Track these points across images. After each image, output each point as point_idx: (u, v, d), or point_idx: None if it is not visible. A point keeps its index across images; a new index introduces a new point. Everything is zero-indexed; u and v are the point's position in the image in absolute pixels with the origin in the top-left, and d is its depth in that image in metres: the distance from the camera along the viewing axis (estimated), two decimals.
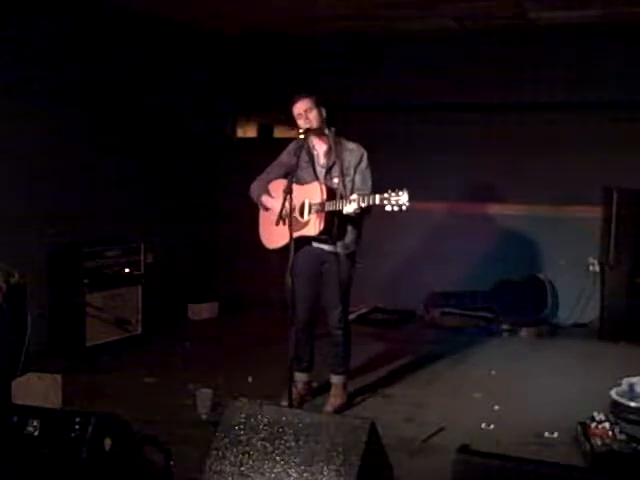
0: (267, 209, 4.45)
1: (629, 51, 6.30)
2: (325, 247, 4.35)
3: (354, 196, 4.10)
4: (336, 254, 4.35)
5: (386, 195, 3.98)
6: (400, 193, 3.96)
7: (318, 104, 4.28)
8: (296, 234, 4.11)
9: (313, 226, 4.24)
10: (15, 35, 5.28)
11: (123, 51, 6.23)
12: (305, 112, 4.23)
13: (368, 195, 4.07)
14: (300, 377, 4.56)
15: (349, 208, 4.08)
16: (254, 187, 4.52)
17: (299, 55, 7.25)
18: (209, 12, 6.31)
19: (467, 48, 6.74)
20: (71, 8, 5.68)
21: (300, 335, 4.39)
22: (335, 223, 4.25)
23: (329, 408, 4.41)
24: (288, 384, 3.96)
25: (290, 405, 3.88)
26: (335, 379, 4.57)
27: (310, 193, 4.25)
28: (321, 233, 4.24)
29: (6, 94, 5.21)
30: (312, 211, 4.24)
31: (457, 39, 6.75)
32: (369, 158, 4.38)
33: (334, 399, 4.51)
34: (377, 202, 4.01)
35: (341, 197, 4.20)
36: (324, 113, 4.32)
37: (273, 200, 4.38)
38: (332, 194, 4.24)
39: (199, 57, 7.20)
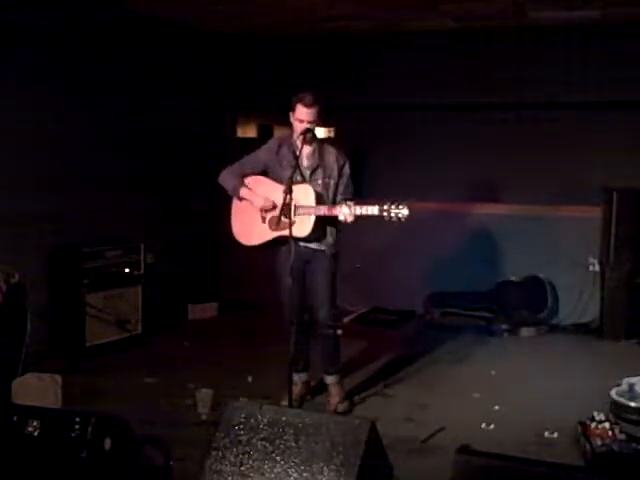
0: (241, 200, 4.39)
1: (629, 51, 6.29)
2: (312, 246, 4.35)
3: (350, 204, 4.11)
4: (323, 252, 4.37)
5: (385, 207, 4.00)
6: (400, 207, 3.98)
7: (322, 113, 4.27)
8: (280, 233, 4.16)
9: (303, 227, 4.20)
10: (15, 34, 5.28)
11: (123, 51, 6.22)
12: (310, 123, 4.22)
13: (367, 205, 4.07)
14: (298, 377, 4.55)
15: (346, 216, 4.09)
16: (226, 176, 4.43)
17: (299, 55, 7.25)
18: (209, 12, 6.30)
19: (467, 48, 6.74)
20: (70, 7, 5.67)
21: (296, 335, 4.38)
22: (322, 226, 4.27)
23: (332, 409, 4.42)
24: (288, 385, 3.96)
25: (290, 405, 3.88)
26: (330, 379, 4.57)
27: (296, 194, 4.17)
28: (309, 235, 4.24)
29: (5, 94, 5.21)
30: (298, 213, 4.19)
31: (457, 39, 6.75)
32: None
33: (334, 399, 4.51)
34: (376, 213, 4.02)
35: (334, 202, 4.22)
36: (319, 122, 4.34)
37: (253, 194, 4.34)
38: (320, 198, 4.25)
39: (199, 57, 7.20)
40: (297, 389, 4.49)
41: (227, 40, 7.31)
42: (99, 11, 5.91)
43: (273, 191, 4.26)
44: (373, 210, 4.03)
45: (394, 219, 3.98)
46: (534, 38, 6.55)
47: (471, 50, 6.74)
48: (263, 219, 4.32)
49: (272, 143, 4.44)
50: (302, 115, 4.22)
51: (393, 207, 3.98)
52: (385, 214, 3.99)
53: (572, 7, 5.75)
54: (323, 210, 4.17)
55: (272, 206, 4.28)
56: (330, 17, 6.30)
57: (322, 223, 4.25)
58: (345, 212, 4.09)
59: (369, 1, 5.76)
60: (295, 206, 4.18)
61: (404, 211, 3.97)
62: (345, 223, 4.15)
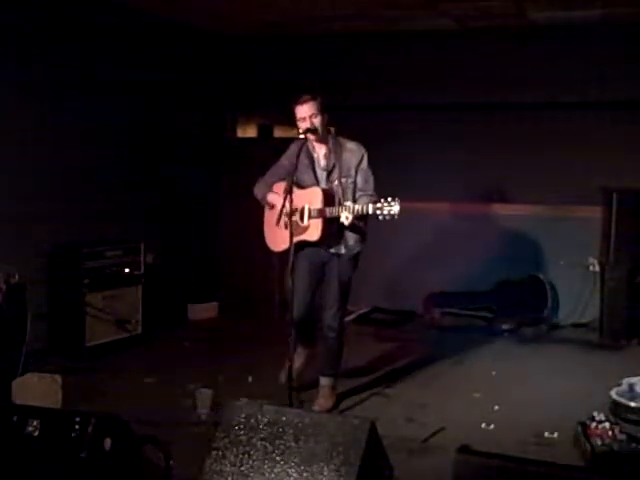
0: (272, 207, 4.45)
1: (629, 51, 6.30)
2: (330, 250, 4.36)
3: (348, 203, 4.11)
4: (339, 255, 4.37)
5: (379, 205, 3.98)
6: (392, 203, 3.95)
7: (322, 110, 4.27)
8: (297, 238, 4.13)
9: (313, 231, 4.23)
10: (14, 35, 5.28)
11: (123, 51, 6.22)
12: (310, 117, 4.23)
13: (361, 204, 4.07)
14: (301, 350, 4.54)
15: (343, 217, 4.08)
16: (258, 188, 4.54)
17: (299, 55, 7.26)
18: (209, 12, 6.31)
19: (467, 48, 6.74)
20: (71, 6, 5.67)
21: (298, 335, 4.37)
22: (334, 228, 4.25)
23: (316, 408, 4.39)
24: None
25: (290, 405, 3.87)
26: (324, 381, 4.56)
27: (310, 198, 4.25)
28: (321, 238, 4.24)
29: (7, 94, 5.21)
30: (312, 216, 4.23)
31: (457, 39, 6.75)
32: (370, 157, 4.38)
33: (323, 400, 4.50)
34: (370, 211, 4.01)
35: (339, 203, 4.21)
36: (326, 118, 4.31)
37: (278, 197, 4.36)
38: (331, 199, 4.24)
39: (199, 57, 7.20)
40: (298, 361, 4.46)
41: (227, 40, 7.32)
42: (99, 11, 5.91)
43: (294, 195, 4.09)
44: (367, 209, 4.02)
45: (387, 217, 3.96)
46: (534, 38, 6.55)
47: (471, 50, 6.75)
48: (286, 225, 4.29)
49: (293, 147, 4.45)
50: (299, 114, 4.25)
51: (386, 204, 3.96)
52: (378, 211, 3.97)
53: (572, 7, 5.76)
54: (327, 212, 4.17)
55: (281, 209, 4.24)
56: (330, 17, 6.30)
57: (335, 226, 4.23)
58: (345, 213, 4.08)
59: (369, 1, 5.76)
60: (309, 210, 4.22)
61: (395, 207, 3.94)
62: (344, 223, 4.12)
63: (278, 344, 4.34)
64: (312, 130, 4.21)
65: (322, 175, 4.36)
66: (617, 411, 4.21)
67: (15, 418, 3.11)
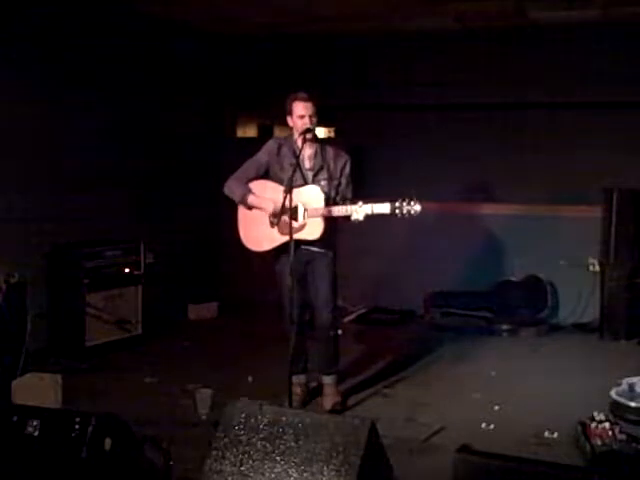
0: (250, 209, 4.37)
1: (629, 51, 6.29)
2: (314, 248, 4.34)
3: (360, 203, 4.09)
4: (325, 254, 4.37)
5: (397, 204, 3.98)
6: (412, 202, 3.97)
7: (318, 109, 4.28)
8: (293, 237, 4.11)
9: (313, 230, 4.21)
10: (15, 34, 5.28)
11: (123, 51, 6.22)
12: (310, 117, 4.23)
13: (378, 203, 4.05)
14: (297, 379, 4.50)
15: (358, 216, 4.07)
16: (232, 186, 4.40)
17: (299, 55, 7.25)
18: (210, 12, 6.30)
19: (467, 48, 6.74)
20: (71, 5, 5.67)
21: (295, 337, 4.37)
22: (334, 227, 4.27)
23: (327, 407, 4.40)
24: (288, 388, 3.94)
25: (290, 406, 3.87)
26: (327, 379, 4.56)
27: (304, 196, 4.21)
28: (321, 237, 4.23)
29: (7, 93, 5.21)
30: (307, 215, 4.20)
31: (457, 39, 6.75)
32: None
33: (330, 398, 4.50)
34: (388, 211, 4.01)
35: (344, 202, 4.22)
36: None
37: (261, 200, 4.32)
38: (328, 198, 4.24)
39: (199, 57, 7.20)
40: (296, 391, 4.47)
41: (227, 40, 7.31)
42: (99, 10, 5.91)
43: (279, 194, 4.09)
44: (385, 208, 4.02)
45: (406, 216, 3.97)
46: (534, 38, 6.55)
47: (471, 50, 6.74)
48: (272, 224, 4.27)
49: (271, 144, 4.42)
50: (302, 110, 4.23)
51: (405, 204, 3.97)
52: (397, 211, 3.98)
53: (572, 7, 5.75)
54: (335, 211, 4.16)
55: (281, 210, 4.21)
56: (330, 17, 6.30)
57: (330, 225, 4.24)
58: (356, 212, 4.07)
59: (369, 1, 5.76)
60: (305, 209, 4.19)
61: (416, 207, 3.96)
62: (355, 222, 4.12)
63: (278, 344, 4.34)
64: (312, 130, 4.22)
65: (309, 175, 4.34)
66: (617, 411, 4.21)
67: (15, 418, 3.11)
